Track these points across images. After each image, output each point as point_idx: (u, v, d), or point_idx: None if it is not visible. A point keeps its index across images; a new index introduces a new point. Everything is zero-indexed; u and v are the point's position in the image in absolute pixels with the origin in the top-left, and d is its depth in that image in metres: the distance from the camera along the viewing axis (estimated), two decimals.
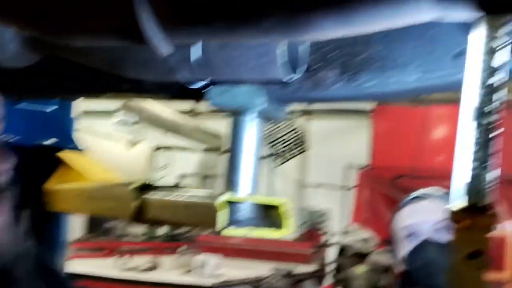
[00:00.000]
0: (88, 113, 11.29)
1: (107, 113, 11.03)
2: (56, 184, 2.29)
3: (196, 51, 1.31)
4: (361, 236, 6.95)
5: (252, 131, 1.51)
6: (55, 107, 3.26)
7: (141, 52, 1.36)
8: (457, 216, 0.88)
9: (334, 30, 1.01)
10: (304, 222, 10.53)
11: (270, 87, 1.47)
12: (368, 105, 10.03)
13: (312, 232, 9.86)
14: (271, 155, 11.28)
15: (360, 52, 1.41)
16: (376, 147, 10.31)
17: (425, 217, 1.75)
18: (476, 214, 0.86)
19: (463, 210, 0.87)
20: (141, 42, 1.14)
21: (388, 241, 1.83)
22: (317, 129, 11.25)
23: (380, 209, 9.18)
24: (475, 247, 0.86)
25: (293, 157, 11.20)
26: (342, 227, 9.02)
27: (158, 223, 1.70)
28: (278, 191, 11.10)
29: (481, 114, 0.87)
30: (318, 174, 11.04)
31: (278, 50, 1.25)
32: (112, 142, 11.62)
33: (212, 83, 1.46)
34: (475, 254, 0.86)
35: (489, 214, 0.86)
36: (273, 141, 11.21)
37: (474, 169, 0.85)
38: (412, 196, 1.82)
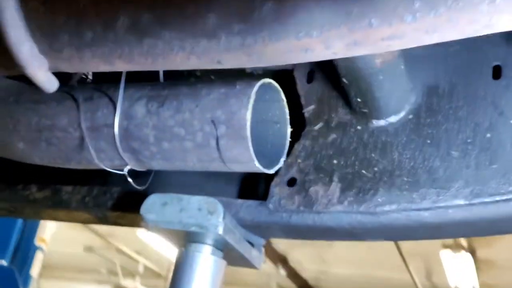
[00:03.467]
0: None
1: None
2: None
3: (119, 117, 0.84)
4: None
5: (204, 271, 0.97)
6: (4, 262, 2.82)
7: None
8: None
9: (333, 29, 0.54)
10: None
11: (234, 202, 0.96)
12: None
13: None
14: None
15: (375, 161, 0.92)
16: None
17: None
18: None
19: None
20: (14, 68, 0.70)
21: None
22: None
23: None
24: None
25: None
26: None
27: None
28: None
29: None
30: None
31: (243, 115, 0.78)
32: None
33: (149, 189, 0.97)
34: None
35: None
36: None
37: None
38: None
